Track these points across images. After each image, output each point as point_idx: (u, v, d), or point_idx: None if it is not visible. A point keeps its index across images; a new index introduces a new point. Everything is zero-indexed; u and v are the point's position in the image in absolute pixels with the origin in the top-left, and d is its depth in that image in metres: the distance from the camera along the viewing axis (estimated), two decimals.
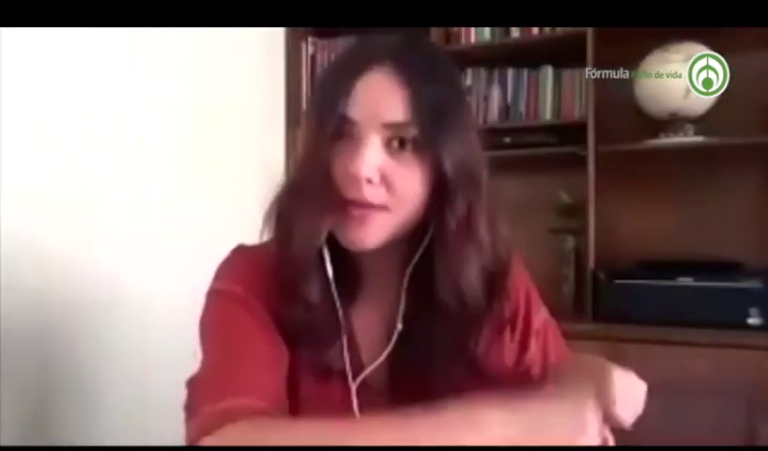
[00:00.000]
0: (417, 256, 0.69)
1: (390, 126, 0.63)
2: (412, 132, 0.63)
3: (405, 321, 0.70)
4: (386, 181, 0.63)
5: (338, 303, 0.69)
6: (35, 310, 1.23)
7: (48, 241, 1.26)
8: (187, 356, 0.69)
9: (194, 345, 0.67)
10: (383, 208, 0.64)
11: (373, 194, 0.63)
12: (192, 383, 0.63)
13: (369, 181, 0.62)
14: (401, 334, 0.70)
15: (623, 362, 0.61)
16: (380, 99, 0.63)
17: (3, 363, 1.15)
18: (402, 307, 0.70)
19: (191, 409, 0.60)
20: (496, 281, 0.71)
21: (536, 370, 0.76)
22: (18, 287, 1.19)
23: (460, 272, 0.66)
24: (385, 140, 0.64)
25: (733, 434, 1.53)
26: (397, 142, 0.64)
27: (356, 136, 0.64)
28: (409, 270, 0.70)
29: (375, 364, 0.70)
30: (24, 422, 1.20)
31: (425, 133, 0.63)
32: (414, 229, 0.68)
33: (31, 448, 1.21)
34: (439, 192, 0.65)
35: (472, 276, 0.67)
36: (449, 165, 0.64)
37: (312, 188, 0.64)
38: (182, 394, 0.63)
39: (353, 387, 0.69)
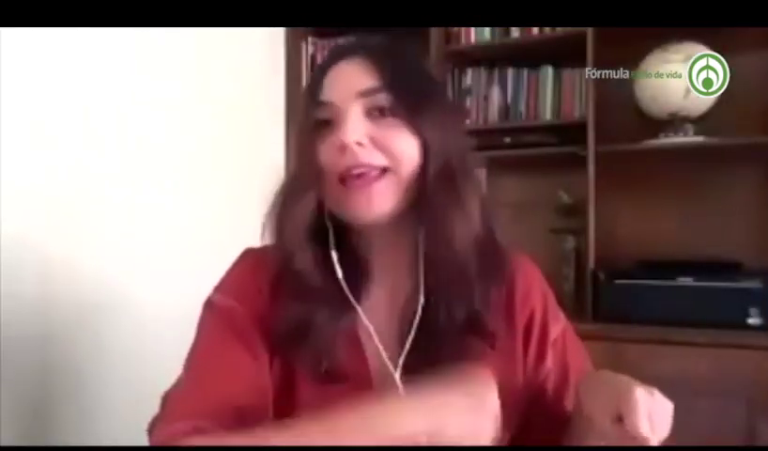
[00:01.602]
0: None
1: (364, 93, 0.66)
2: (387, 98, 0.66)
3: (415, 312, 0.69)
4: (378, 145, 0.66)
5: (353, 301, 0.69)
6: (35, 311, 1.23)
7: (47, 241, 1.26)
8: None
9: None
10: (384, 170, 0.66)
11: (369, 156, 0.65)
12: (164, 399, 0.67)
13: (360, 144, 0.65)
14: (415, 333, 0.69)
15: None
16: (350, 75, 0.67)
17: (3, 364, 1.15)
18: (421, 279, 0.69)
19: (153, 424, 0.65)
20: (490, 252, 0.70)
21: (552, 382, 0.74)
22: (17, 288, 1.19)
23: (449, 232, 0.66)
24: (365, 110, 0.66)
25: (733, 434, 1.53)
26: (377, 111, 0.66)
27: (337, 117, 0.66)
28: (421, 235, 0.68)
29: (401, 358, 0.68)
30: (25, 423, 1.20)
31: (400, 99, 0.66)
32: (414, 214, 0.68)
33: (31, 448, 1.21)
34: (426, 160, 0.67)
35: (463, 240, 0.66)
36: (428, 131, 0.66)
37: (300, 173, 0.68)
38: None
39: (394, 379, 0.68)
